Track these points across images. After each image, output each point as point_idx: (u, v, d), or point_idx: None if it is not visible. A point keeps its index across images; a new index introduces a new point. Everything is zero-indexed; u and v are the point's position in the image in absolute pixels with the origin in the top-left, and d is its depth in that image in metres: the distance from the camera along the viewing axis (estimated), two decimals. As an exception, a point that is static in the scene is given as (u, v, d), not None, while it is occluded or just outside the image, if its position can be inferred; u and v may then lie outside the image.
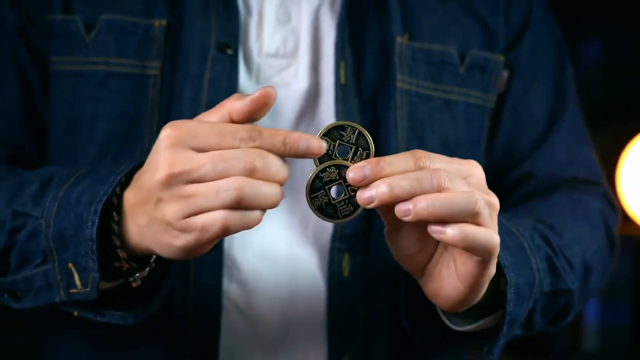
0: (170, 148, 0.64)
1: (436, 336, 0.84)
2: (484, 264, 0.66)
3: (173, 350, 0.86)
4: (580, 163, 1.00)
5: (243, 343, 0.88)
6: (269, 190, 0.64)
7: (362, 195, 0.64)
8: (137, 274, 0.74)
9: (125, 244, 0.71)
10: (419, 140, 0.91)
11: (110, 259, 0.72)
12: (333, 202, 0.67)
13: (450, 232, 0.64)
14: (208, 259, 0.86)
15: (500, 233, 0.72)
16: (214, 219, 0.63)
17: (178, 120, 0.65)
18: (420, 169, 0.64)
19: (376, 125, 0.91)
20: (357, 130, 0.67)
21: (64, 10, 0.88)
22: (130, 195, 0.69)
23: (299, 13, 0.91)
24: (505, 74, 0.98)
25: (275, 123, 0.90)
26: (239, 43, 0.89)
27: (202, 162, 0.63)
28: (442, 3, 0.95)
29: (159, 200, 0.65)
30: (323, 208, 0.67)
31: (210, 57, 0.88)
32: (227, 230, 0.63)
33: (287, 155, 0.65)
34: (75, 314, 0.77)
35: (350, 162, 0.67)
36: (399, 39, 0.92)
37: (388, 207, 0.65)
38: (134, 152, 0.87)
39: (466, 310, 0.73)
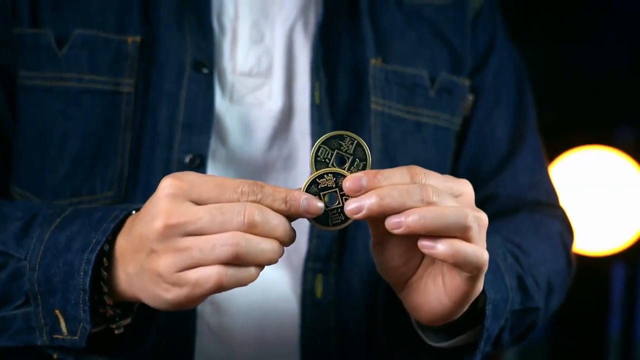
0: (170, 198, 0.63)
1: (411, 352, 0.84)
2: (472, 279, 0.67)
3: None
4: (541, 186, 1.03)
5: None
6: (267, 246, 0.63)
7: (352, 205, 0.64)
8: (121, 321, 0.72)
9: (112, 291, 0.69)
10: (391, 161, 0.92)
11: (96, 305, 0.71)
12: (326, 209, 0.67)
13: (441, 247, 0.64)
14: None
15: None
16: (209, 275, 0.62)
17: (180, 172, 0.65)
18: (415, 184, 0.65)
19: None
20: (355, 141, 0.68)
21: (32, 24, 0.85)
22: (122, 242, 0.68)
23: (272, 32, 0.91)
24: (470, 97, 0.99)
25: (248, 142, 0.89)
26: (214, 61, 0.88)
27: (200, 215, 0.62)
28: (412, 26, 0.96)
29: (152, 251, 0.64)
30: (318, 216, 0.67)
31: (187, 76, 0.86)
32: (221, 287, 0.63)
33: (286, 213, 0.64)
34: (55, 357, 0.75)
35: (347, 171, 0.67)
36: (372, 61, 0.93)
37: (377, 218, 0.65)
38: (105, 170, 0.85)
39: (440, 326, 0.74)
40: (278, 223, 0.64)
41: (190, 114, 0.86)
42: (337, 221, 0.67)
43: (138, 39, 0.86)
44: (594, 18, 2.20)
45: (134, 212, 0.70)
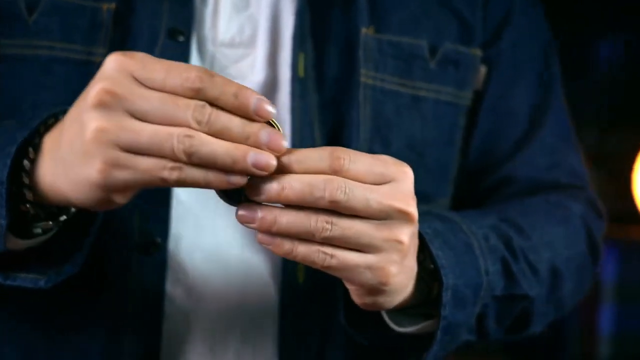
0: (115, 71, 0.58)
1: (375, 337, 0.78)
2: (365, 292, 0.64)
3: (112, 351, 0.81)
4: (563, 166, 0.93)
5: (187, 350, 0.83)
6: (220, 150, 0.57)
7: (252, 188, 0.60)
8: (41, 223, 0.67)
9: (35, 188, 0.64)
10: (382, 140, 0.85)
11: (16, 201, 0.66)
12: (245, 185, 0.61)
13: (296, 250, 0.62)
14: (151, 261, 0.80)
15: (443, 231, 0.72)
16: (158, 166, 0.57)
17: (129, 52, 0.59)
18: (334, 171, 0.59)
19: (339, 126, 0.85)
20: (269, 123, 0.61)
21: None
22: (54, 132, 0.63)
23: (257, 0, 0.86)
24: (483, 69, 0.91)
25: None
26: (192, 30, 0.83)
27: (147, 96, 0.57)
28: None
29: (90, 120, 0.57)
30: (228, 191, 0.62)
31: (160, 44, 0.82)
32: (174, 182, 0.57)
33: (232, 109, 0.58)
34: None
35: None
36: (364, 30, 0.86)
37: None
38: None
39: (412, 311, 0.70)
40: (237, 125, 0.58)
41: None
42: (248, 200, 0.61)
43: (113, 6, 0.82)
44: None
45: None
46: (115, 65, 0.58)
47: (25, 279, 0.70)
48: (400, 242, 0.62)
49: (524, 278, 0.80)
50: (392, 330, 0.74)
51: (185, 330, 0.82)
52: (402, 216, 0.62)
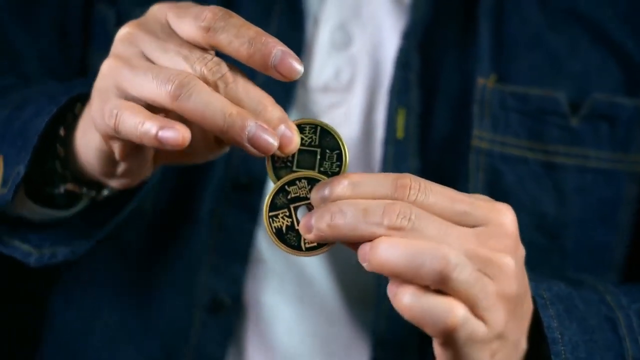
0: (150, 15, 0.51)
1: None
2: (444, 346, 0.47)
3: None
4: None
5: None
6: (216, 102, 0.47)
7: (303, 220, 0.48)
8: (62, 184, 0.61)
9: (68, 146, 0.59)
10: None
11: (44, 155, 0.60)
12: (298, 227, 0.49)
13: (400, 296, 0.45)
14: (214, 322, 0.72)
15: (568, 296, 0.55)
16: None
17: None
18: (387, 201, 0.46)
19: None
20: (318, 128, 0.50)
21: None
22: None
23: (361, 37, 0.72)
24: None
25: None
26: None
27: (164, 40, 0.49)
28: (558, 30, 0.69)
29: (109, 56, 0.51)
30: (282, 233, 0.50)
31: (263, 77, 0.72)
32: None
33: (244, 58, 0.47)
34: None
35: (319, 171, 0.50)
36: (481, 81, 0.68)
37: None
38: None
39: None
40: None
41: None
42: (312, 244, 0.49)
43: None
44: None
45: None
46: (153, 10, 0.51)
47: (16, 249, 0.64)
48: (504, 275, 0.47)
49: None
50: None
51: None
52: (491, 269, 0.46)
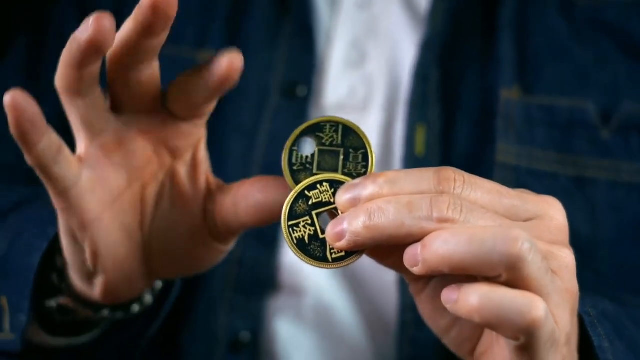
0: None
1: None
2: (522, 351, 0.40)
3: None
4: None
5: None
6: None
7: (330, 227, 0.42)
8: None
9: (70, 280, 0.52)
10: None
11: (44, 293, 0.54)
12: (322, 236, 0.44)
13: (462, 297, 0.39)
14: None
15: (616, 316, 0.50)
16: None
17: None
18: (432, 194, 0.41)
19: None
20: (340, 126, 0.45)
21: None
22: None
23: (377, 53, 0.69)
24: None
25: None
26: (312, 84, 0.69)
27: None
28: (584, 40, 0.66)
29: None
30: (305, 243, 0.44)
31: (272, 103, 0.70)
32: None
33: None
34: None
35: (343, 172, 0.45)
36: (505, 93, 0.65)
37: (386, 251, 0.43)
38: None
39: None
40: None
41: (272, 154, 0.68)
42: (339, 254, 0.44)
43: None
44: None
45: None
46: None
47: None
48: (566, 266, 0.42)
49: None
50: None
51: None
52: (554, 262, 0.42)
